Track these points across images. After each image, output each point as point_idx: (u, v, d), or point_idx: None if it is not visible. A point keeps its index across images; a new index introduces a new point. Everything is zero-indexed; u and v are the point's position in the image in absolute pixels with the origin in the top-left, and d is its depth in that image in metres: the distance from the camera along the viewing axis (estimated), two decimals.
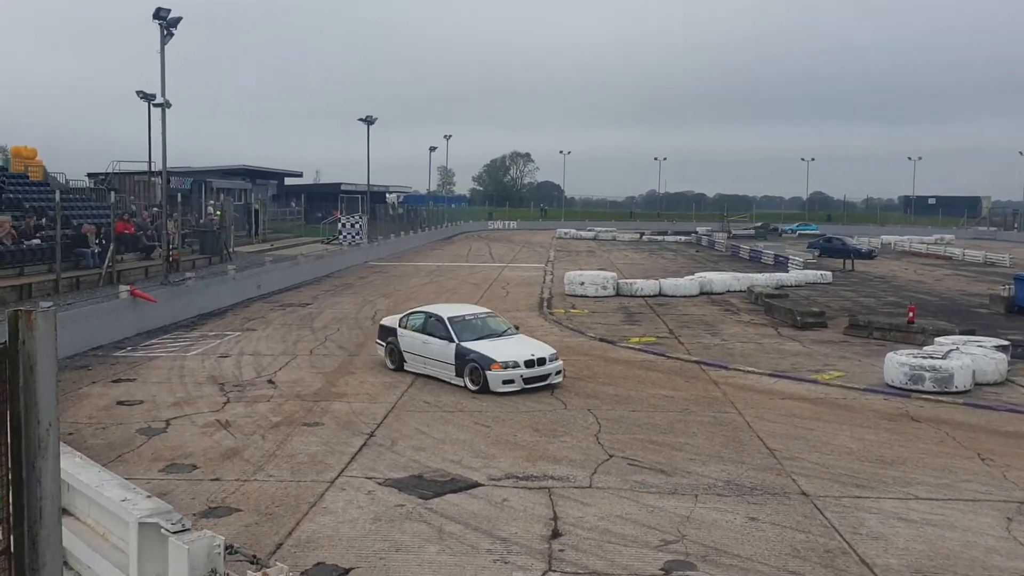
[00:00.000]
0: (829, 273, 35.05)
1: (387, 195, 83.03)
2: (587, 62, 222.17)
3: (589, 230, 78.45)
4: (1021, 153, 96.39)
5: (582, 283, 28.41)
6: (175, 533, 4.99)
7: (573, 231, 77.31)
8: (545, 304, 25.78)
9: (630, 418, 12.37)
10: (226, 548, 4.97)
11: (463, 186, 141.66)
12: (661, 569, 7.26)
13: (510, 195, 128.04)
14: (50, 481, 4.41)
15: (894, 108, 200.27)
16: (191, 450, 10.54)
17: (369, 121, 52.66)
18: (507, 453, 10.56)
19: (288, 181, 75.71)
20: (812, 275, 34.38)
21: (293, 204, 68.96)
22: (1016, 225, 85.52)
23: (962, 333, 18.27)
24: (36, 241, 25.56)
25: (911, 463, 10.45)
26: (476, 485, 9.35)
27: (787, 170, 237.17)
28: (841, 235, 55.04)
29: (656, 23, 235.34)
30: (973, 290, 31.77)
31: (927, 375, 14.16)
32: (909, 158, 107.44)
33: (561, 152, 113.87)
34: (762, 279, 31.47)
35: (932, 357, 14.60)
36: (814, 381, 15.08)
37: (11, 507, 4.40)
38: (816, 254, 43.25)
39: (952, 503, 9.05)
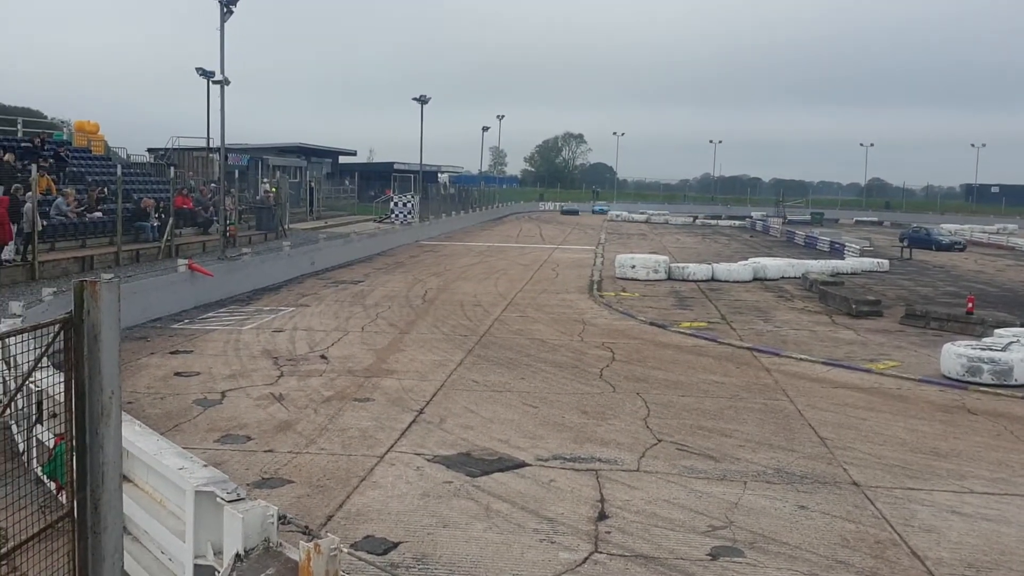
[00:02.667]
0: (886, 261, 34.47)
1: (439, 175, 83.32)
2: (642, 42, 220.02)
3: (641, 212, 78.02)
4: None
5: (633, 266, 28.28)
6: (230, 502, 5.10)
7: (625, 214, 76.90)
8: (595, 287, 25.72)
9: (679, 403, 12.32)
10: (279, 518, 5.07)
11: (515, 167, 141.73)
12: (708, 554, 7.24)
13: (562, 176, 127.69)
14: (112, 448, 4.54)
15: (957, 93, 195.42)
16: (246, 422, 10.74)
17: (423, 101, 52.78)
18: (555, 434, 10.59)
19: (342, 159, 76.37)
20: (868, 263, 33.84)
21: (347, 182, 69.57)
22: None
23: (1023, 325, 17.85)
24: (98, 214, 26.14)
25: (966, 456, 10.26)
26: (523, 465, 9.39)
27: (845, 155, 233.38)
28: (927, 225, 54.08)
29: (714, 3, 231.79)
30: None
31: (985, 367, 13.86)
32: (972, 145, 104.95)
33: (614, 134, 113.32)
34: (817, 266, 31.06)
35: (991, 349, 14.28)
36: (868, 370, 14.86)
37: (75, 472, 4.54)
38: (905, 244, 42.71)
39: (1008, 498, 8.87)
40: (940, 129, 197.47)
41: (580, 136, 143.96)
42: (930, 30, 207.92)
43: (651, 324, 19.26)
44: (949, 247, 45.92)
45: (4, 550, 4.86)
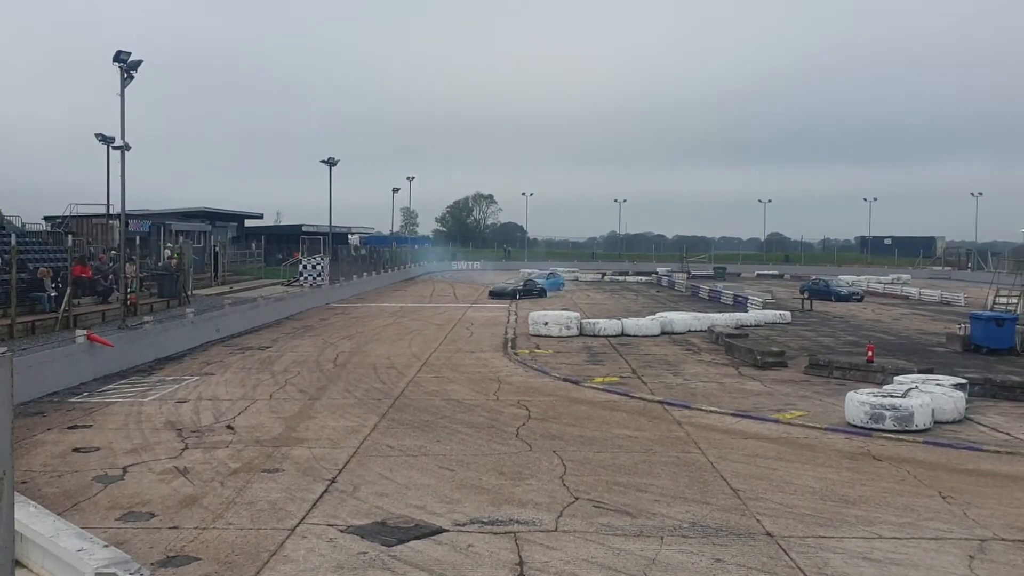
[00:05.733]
0: (788, 313, 35.44)
1: (349, 236, 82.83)
2: (548, 104, 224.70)
3: (551, 270, 78.86)
4: (973, 194, 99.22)
5: (546, 323, 28.50)
6: None
7: (536, 271, 77.51)
8: (510, 344, 25.77)
9: (595, 459, 12.34)
10: None
11: (427, 227, 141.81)
12: None
13: (473, 236, 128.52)
14: (3, 532, 4.31)
15: (850, 150, 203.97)
16: (149, 498, 10.32)
17: (331, 163, 52.72)
18: (472, 497, 10.47)
19: (248, 223, 75.27)
20: (771, 315, 34.75)
21: (253, 246, 68.50)
22: (970, 265, 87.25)
23: (921, 372, 18.53)
24: None
25: (874, 502, 10.52)
26: (440, 531, 9.24)
27: (745, 211, 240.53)
28: (826, 277, 55.91)
29: (615, 67, 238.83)
30: (930, 329, 32.30)
31: (887, 414, 14.30)
32: (864, 199, 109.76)
33: (523, 194, 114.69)
34: (722, 319, 31.75)
35: (892, 396, 14.76)
36: (776, 420, 15.17)
37: None
38: (805, 296, 44.00)
39: (915, 542, 9.10)
40: (834, 184, 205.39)
41: (490, 196, 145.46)
42: (823, 91, 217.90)
43: (565, 380, 19.35)
44: (848, 298, 47.49)
45: None
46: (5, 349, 14.53)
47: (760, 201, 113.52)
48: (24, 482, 10.47)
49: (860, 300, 47.72)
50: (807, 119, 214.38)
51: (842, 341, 27.85)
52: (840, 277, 61.28)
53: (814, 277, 56.41)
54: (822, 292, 47.04)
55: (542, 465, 11.98)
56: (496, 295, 46.19)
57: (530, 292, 47.10)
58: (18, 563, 5.35)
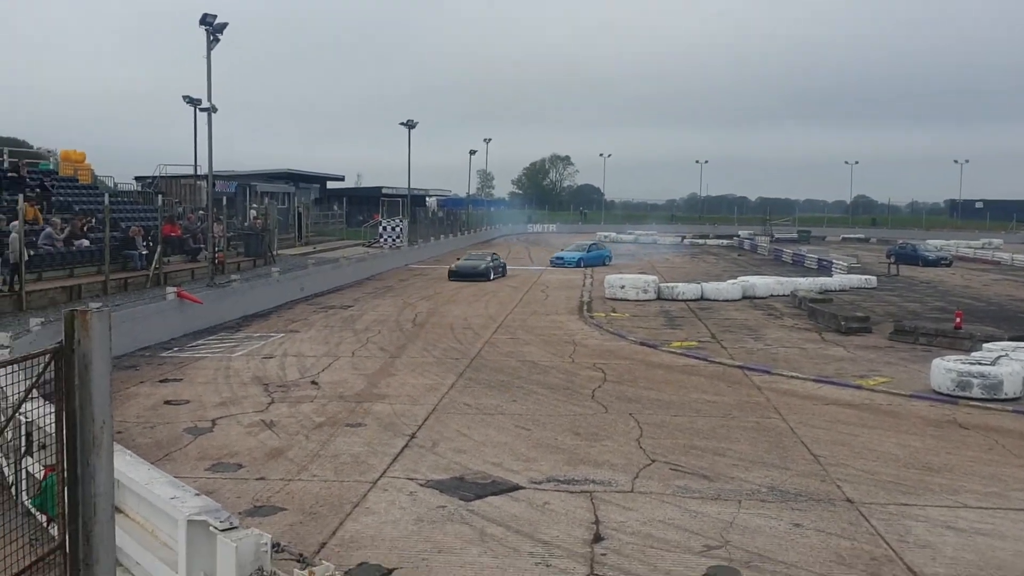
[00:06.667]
0: (874, 278, 34.55)
1: (427, 198, 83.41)
2: (628, 64, 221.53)
3: (629, 233, 78.23)
4: None
5: (622, 286, 28.35)
6: (223, 531, 5.08)
7: (613, 234, 77.02)
8: (585, 307, 25.75)
9: (672, 423, 12.31)
10: (273, 546, 5.04)
11: (502, 189, 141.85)
12: (704, 574, 7.21)
13: (549, 198, 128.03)
14: (104, 478, 4.51)
15: (940, 110, 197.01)
16: (237, 449, 10.68)
17: (410, 125, 53.03)
18: (548, 456, 10.57)
19: (330, 185, 76.42)
20: (856, 279, 33.91)
21: (335, 207, 69.54)
22: None
23: (1011, 339, 17.91)
24: (85, 243, 26.04)
25: (959, 471, 10.28)
26: (517, 488, 9.36)
27: (830, 173, 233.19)
28: (913, 241, 54.34)
29: (698, 25, 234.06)
30: (1022, 295, 31.16)
31: (975, 381, 13.91)
32: (955, 161, 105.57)
33: (601, 155, 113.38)
34: (805, 283, 31.15)
35: (980, 363, 14.34)
36: (859, 387, 14.88)
37: (66, 504, 4.51)
38: (892, 260, 42.89)
39: (1003, 512, 8.87)
40: (923, 146, 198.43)
41: (567, 158, 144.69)
42: (913, 49, 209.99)
43: (642, 344, 19.27)
44: (936, 263, 46.05)
45: None
46: (100, 304, 15.07)
47: (846, 163, 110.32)
48: (119, 432, 10.92)
49: (949, 265, 46.23)
50: (896, 78, 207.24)
51: (929, 307, 27.06)
52: (928, 241, 59.33)
53: (901, 241, 54.80)
54: (909, 257, 45.73)
55: (618, 427, 12.00)
56: (460, 275, 34.40)
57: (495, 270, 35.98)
58: (115, 508, 5.60)
